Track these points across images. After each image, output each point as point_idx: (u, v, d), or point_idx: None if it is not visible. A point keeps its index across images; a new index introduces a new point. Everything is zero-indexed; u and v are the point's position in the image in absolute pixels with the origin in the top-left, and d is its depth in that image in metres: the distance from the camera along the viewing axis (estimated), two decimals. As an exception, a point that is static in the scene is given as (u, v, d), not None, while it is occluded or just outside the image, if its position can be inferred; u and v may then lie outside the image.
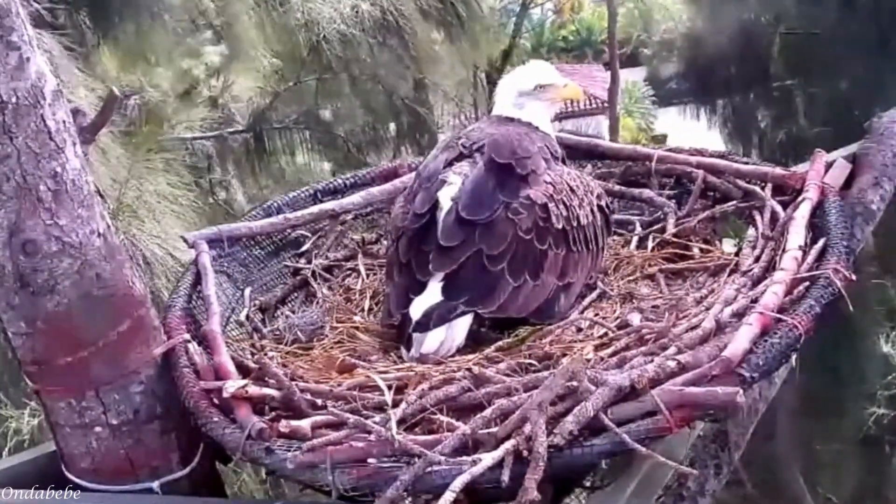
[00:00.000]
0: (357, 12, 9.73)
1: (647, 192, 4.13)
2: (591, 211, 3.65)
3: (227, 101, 10.43)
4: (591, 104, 29.47)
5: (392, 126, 10.95)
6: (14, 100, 2.92)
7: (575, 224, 3.55)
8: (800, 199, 3.57)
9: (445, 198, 3.51)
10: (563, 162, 3.79)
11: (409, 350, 3.39)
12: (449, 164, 3.64)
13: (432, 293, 3.42)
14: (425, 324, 3.36)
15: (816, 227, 3.45)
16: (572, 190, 3.61)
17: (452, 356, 3.33)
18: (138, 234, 6.09)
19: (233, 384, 3.07)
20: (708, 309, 3.24)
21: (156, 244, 6.06)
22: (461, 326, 3.39)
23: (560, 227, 3.51)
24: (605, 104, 26.72)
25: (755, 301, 3.11)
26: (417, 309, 3.41)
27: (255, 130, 10.55)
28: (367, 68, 10.28)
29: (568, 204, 3.56)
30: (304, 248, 4.14)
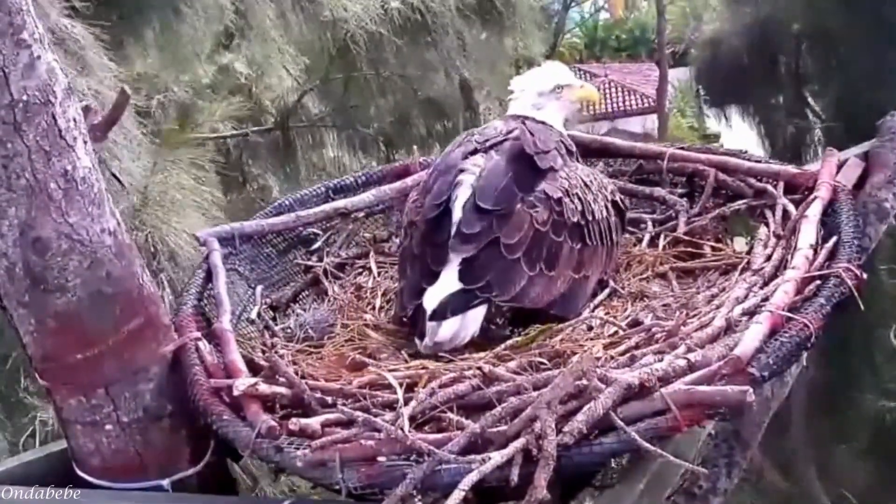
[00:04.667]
0: (386, 10, 9.72)
1: (658, 191, 4.12)
2: (606, 206, 3.67)
3: (255, 98, 10.45)
4: (643, 103, 29.60)
5: (421, 123, 10.92)
6: (25, 98, 2.93)
7: (590, 218, 3.57)
8: (811, 197, 3.56)
9: (463, 188, 3.53)
10: (577, 159, 3.80)
11: (422, 340, 3.39)
12: (465, 158, 3.65)
13: (447, 282, 3.43)
14: (441, 313, 3.37)
15: (828, 225, 3.43)
16: (587, 185, 3.63)
17: (464, 350, 3.34)
18: (165, 228, 6.11)
19: (243, 382, 3.07)
20: (719, 307, 3.23)
21: (182, 239, 6.07)
22: (475, 316, 3.40)
23: (575, 220, 3.53)
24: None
25: (766, 300, 3.10)
26: (432, 299, 3.41)
27: (284, 128, 10.56)
28: (395, 67, 10.26)
29: (583, 198, 3.58)
30: (315, 246, 4.14)
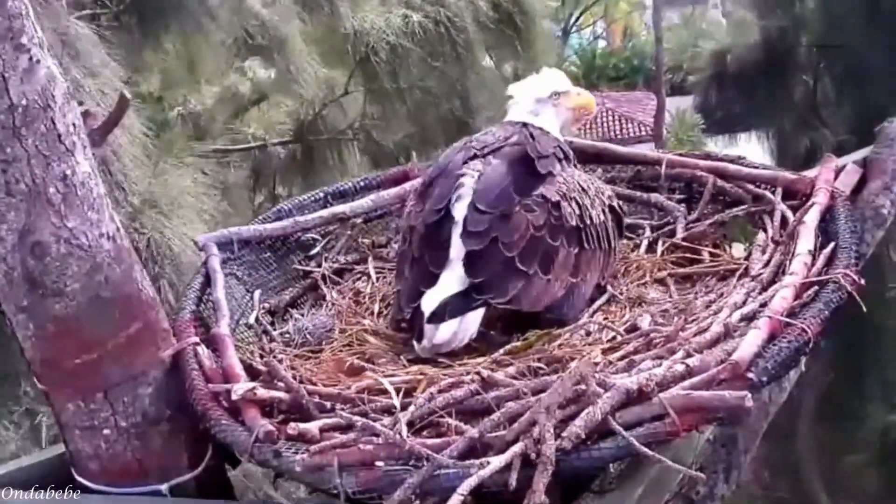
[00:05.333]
0: (407, 23, 9.69)
1: (656, 197, 4.12)
2: (603, 211, 3.68)
3: (275, 111, 10.40)
4: (640, 131, 29.69)
5: (440, 137, 10.89)
6: (24, 102, 2.93)
7: (587, 222, 3.58)
8: (809, 203, 3.56)
9: (463, 191, 3.53)
10: (574, 165, 3.81)
11: (419, 342, 3.39)
12: (464, 163, 3.66)
13: (446, 285, 3.43)
14: (440, 315, 3.37)
15: (826, 231, 3.44)
16: (584, 190, 3.64)
17: (463, 355, 3.33)
18: (168, 233, 6.11)
19: (241, 387, 3.07)
20: (717, 313, 3.23)
21: (185, 243, 6.07)
22: (474, 319, 3.39)
23: (573, 224, 3.54)
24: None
25: (764, 305, 3.10)
26: (431, 301, 3.41)
27: (303, 141, 10.52)
28: (416, 79, 10.22)
29: (580, 203, 3.58)
30: (314, 252, 4.13)
